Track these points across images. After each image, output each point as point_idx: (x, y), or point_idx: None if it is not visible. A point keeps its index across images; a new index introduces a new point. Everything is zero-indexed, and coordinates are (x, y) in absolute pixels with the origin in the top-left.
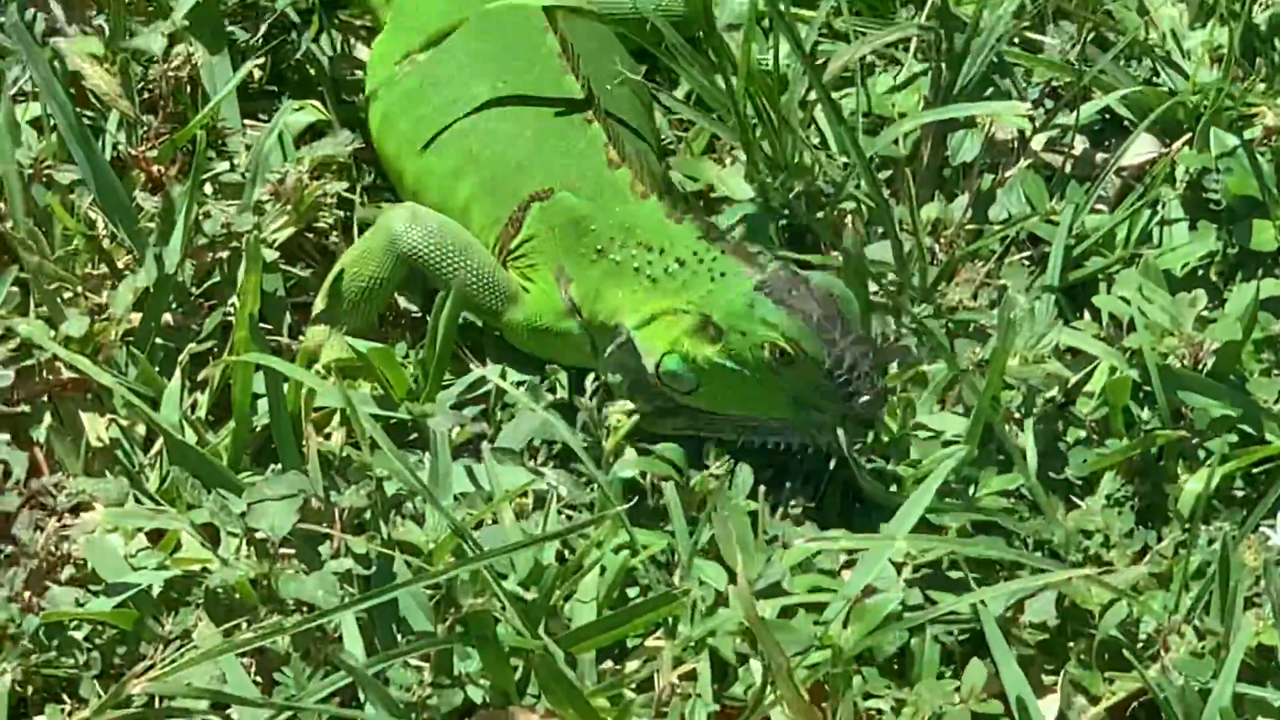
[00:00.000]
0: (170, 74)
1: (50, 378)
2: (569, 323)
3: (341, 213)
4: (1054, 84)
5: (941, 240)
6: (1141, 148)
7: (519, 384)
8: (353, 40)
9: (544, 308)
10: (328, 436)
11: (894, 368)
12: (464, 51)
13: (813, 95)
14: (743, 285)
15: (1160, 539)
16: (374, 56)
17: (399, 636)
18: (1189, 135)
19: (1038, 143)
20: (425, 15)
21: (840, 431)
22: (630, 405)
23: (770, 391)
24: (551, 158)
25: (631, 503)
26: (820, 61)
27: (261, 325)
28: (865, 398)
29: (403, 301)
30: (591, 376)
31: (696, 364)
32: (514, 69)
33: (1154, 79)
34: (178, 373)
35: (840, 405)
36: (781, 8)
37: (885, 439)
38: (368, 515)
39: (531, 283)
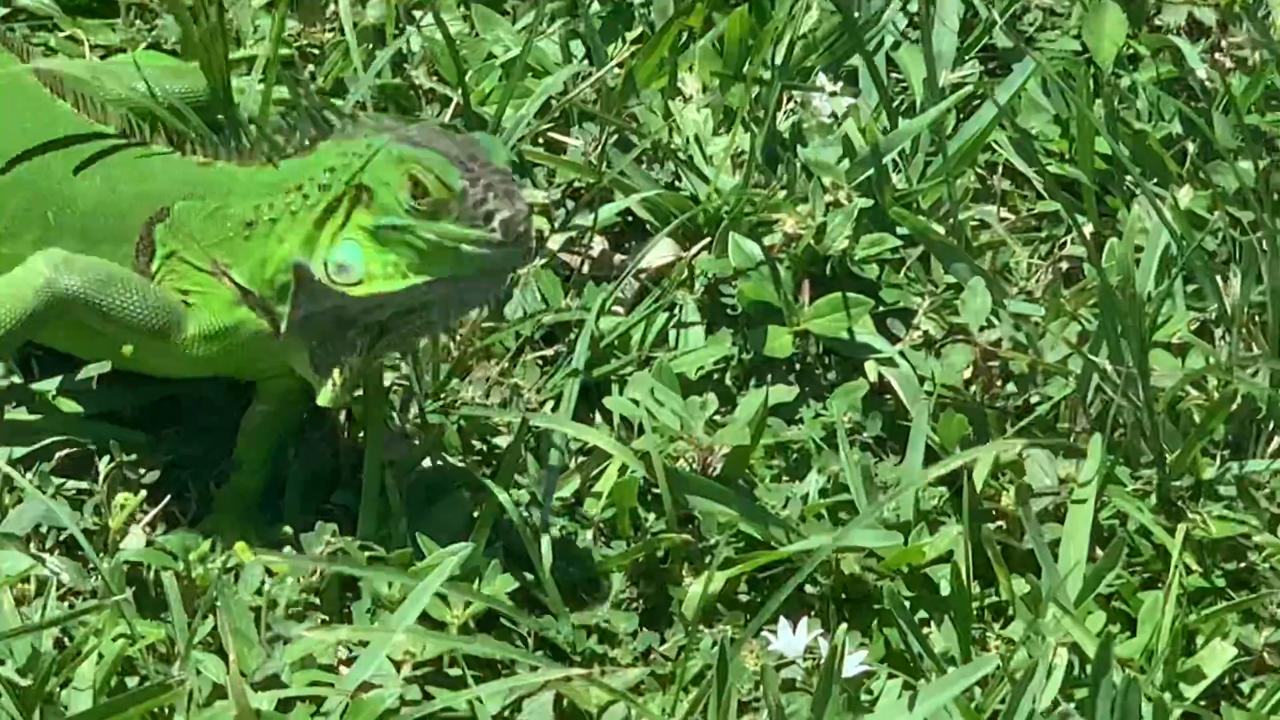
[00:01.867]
0: None
1: None
2: (242, 311)
3: None
4: (575, 185)
5: (457, 338)
6: (661, 251)
7: (16, 463)
8: None
9: (212, 308)
10: None
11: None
12: None
13: None
14: (386, 145)
15: (664, 641)
16: None
17: None
18: (708, 239)
19: (555, 242)
20: None
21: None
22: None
23: (427, 241)
24: (143, 185)
25: (131, 590)
26: None
27: None
28: (505, 214)
29: None
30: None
31: (361, 241)
32: (41, 134)
33: (675, 183)
34: None
35: (482, 229)
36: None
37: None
38: None
39: (188, 292)
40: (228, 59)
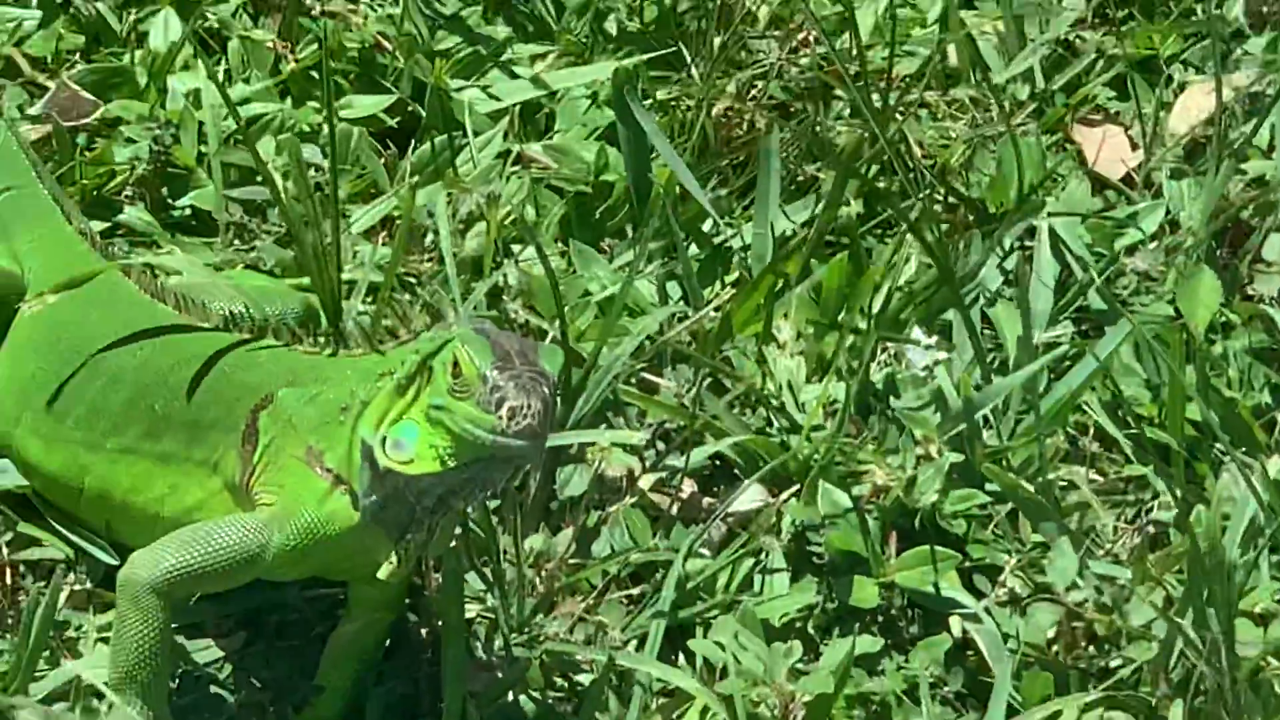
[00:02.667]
0: None
1: None
2: (332, 504)
3: None
4: (666, 426)
5: (543, 573)
6: (749, 496)
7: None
8: None
9: (303, 498)
10: None
11: None
12: (89, 346)
13: None
14: (460, 332)
15: None
16: None
17: None
18: (797, 487)
19: (646, 482)
20: (30, 334)
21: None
22: None
23: (455, 427)
24: (248, 376)
25: None
26: None
27: None
28: (512, 403)
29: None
30: None
31: (415, 422)
32: (137, 328)
33: (767, 429)
34: None
35: (491, 415)
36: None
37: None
38: None
39: (281, 488)
40: (340, 278)
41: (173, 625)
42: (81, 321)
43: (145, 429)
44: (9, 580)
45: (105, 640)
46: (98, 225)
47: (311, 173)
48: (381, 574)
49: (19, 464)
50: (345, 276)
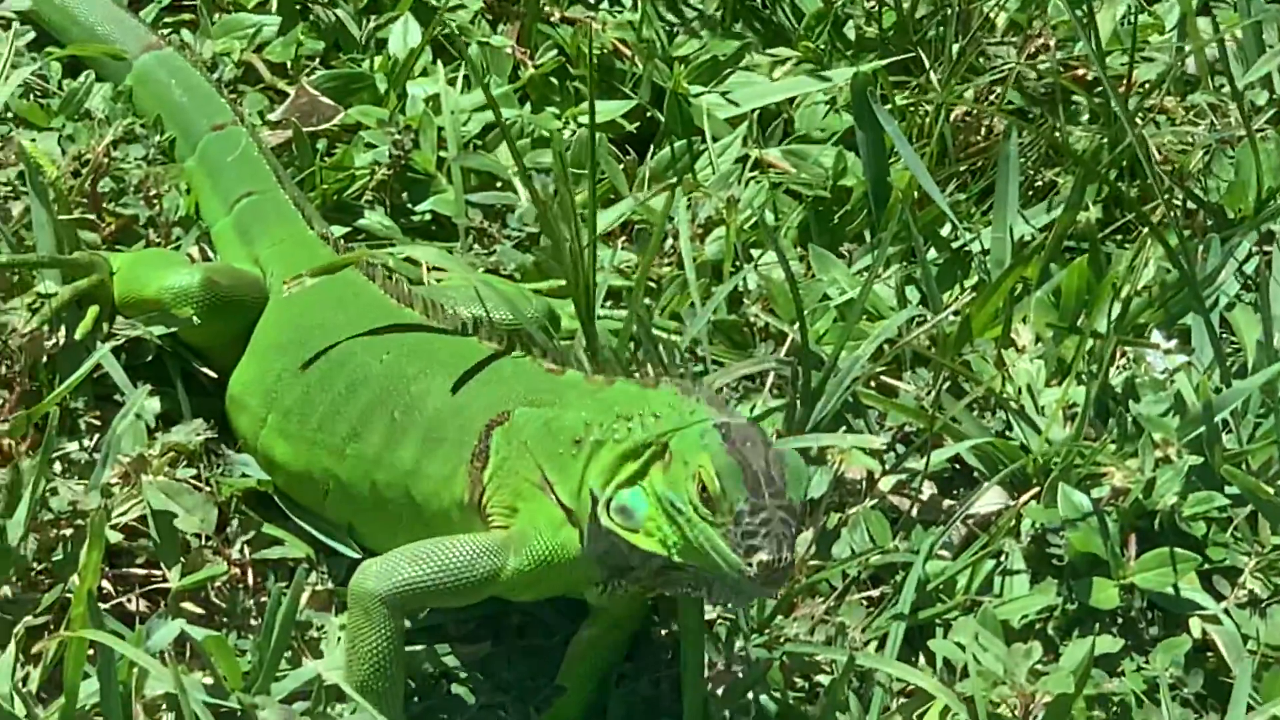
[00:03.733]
0: (27, 349)
1: None
2: (567, 531)
3: None
4: (906, 429)
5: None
6: (989, 498)
7: None
8: None
9: (538, 526)
10: None
11: None
12: (327, 339)
13: None
14: (704, 422)
15: None
16: (233, 390)
17: None
18: (1037, 489)
19: (886, 484)
20: (273, 328)
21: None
22: None
23: (693, 539)
24: (488, 389)
25: None
26: None
27: (102, 605)
28: (764, 556)
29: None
30: None
31: (647, 495)
32: (392, 337)
33: (1006, 432)
34: (12, 644)
35: (740, 559)
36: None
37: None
38: None
39: (517, 510)
40: (594, 278)
41: (414, 627)
42: (327, 324)
43: (384, 437)
44: (251, 580)
45: None
46: (338, 230)
47: (549, 177)
48: (590, 598)
49: (264, 462)
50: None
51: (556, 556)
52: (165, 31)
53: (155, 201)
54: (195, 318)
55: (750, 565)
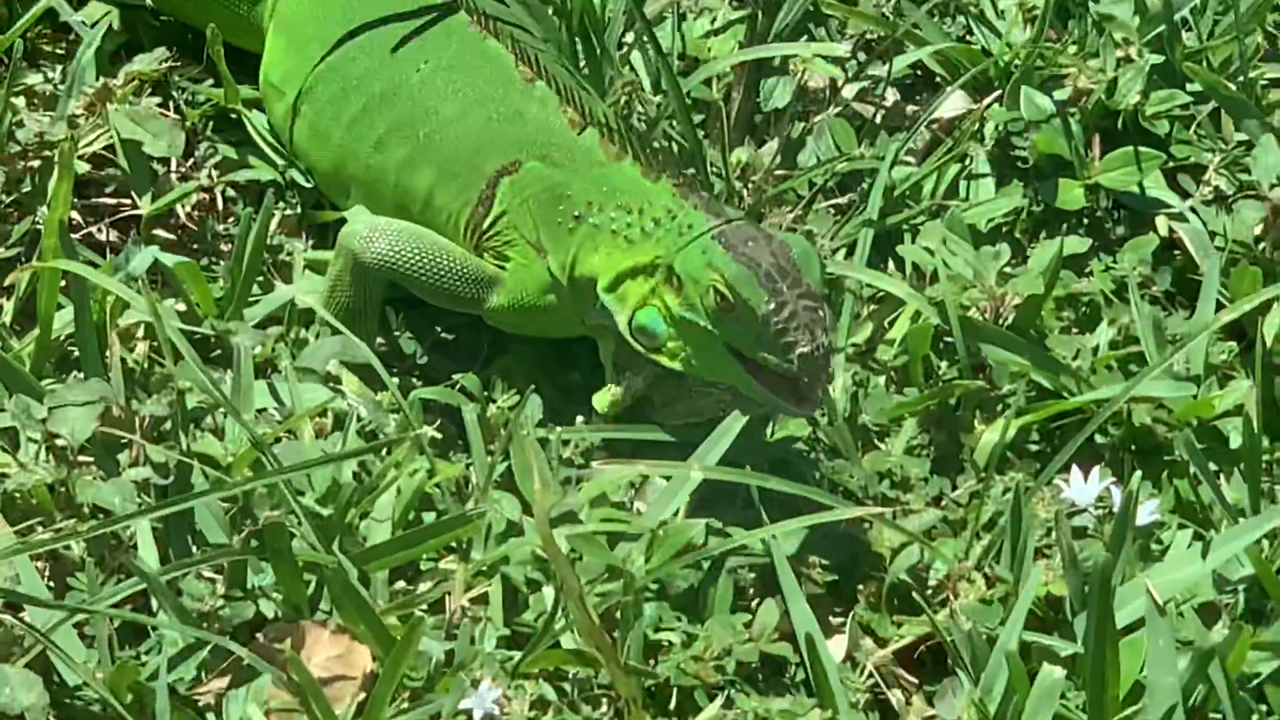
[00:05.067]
0: None
1: None
2: (551, 296)
3: None
4: (867, 36)
5: (750, 184)
6: (952, 102)
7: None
8: None
9: (525, 284)
10: (132, 349)
11: None
12: (374, 43)
13: (629, 38)
14: (703, 237)
15: (955, 487)
16: (270, 77)
17: (194, 548)
18: (999, 93)
19: (849, 92)
20: (315, 20)
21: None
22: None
23: (723, 348)
24: (509, 129)
25: (433, 423)
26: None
27: (72, 236)
28: (803, 349)
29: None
30: None
31: (664, 316)
32: (433, 46)
33: (967, 36)
34: None
35: (780, 357)
36: None
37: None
38: (168, 426)
39: (509, 260)
40: None
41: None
42: (369, 17)
43: (406, 156)
44: (221, 206)
45: (316, 269)
46: None
47: None
48: (599, 403)
49: (293, 150)
50: None
51: (535, 312)
52: None
53: None
54: None
55: (791, 361)
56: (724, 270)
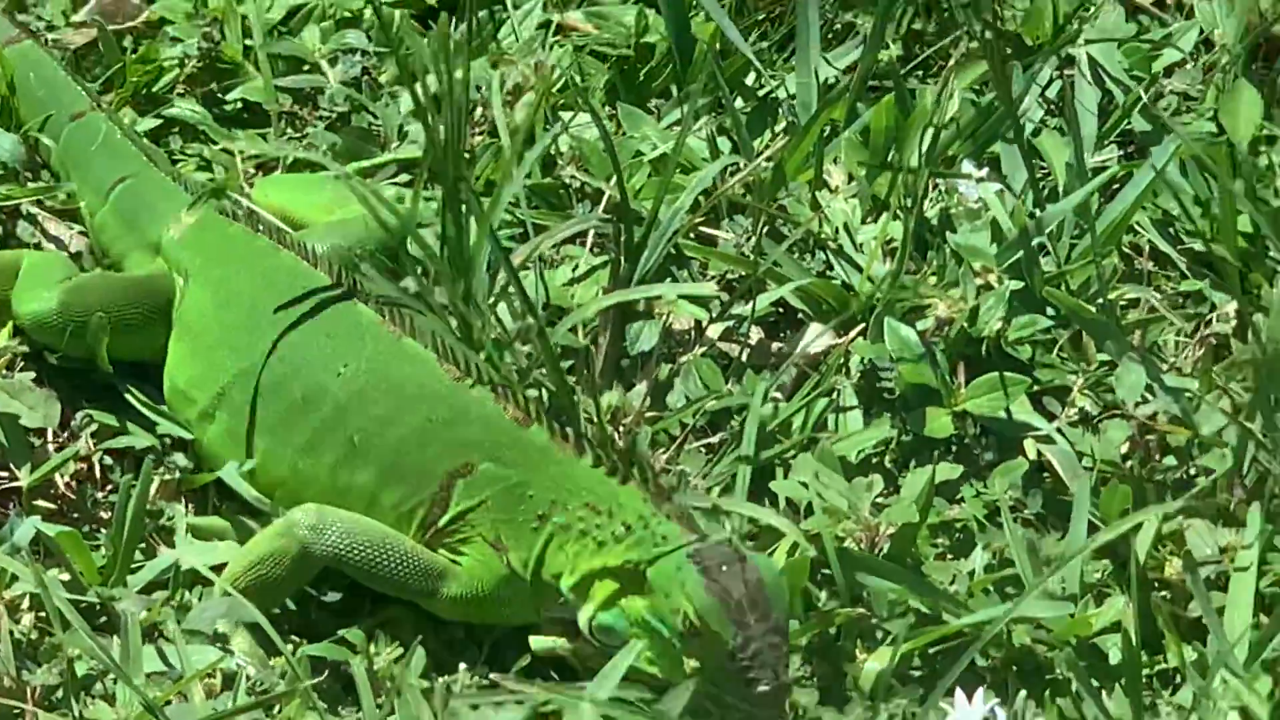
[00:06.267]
0: None
1: None
2: (508, 590)
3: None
4: (728, 276)
5: (622, 427)
6: (817, 339)
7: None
8: None
9: (481, 578)
10: (18, 620)
11: None
12: (287, 347)
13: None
14: (678, 552)
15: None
16: (177, 382)
17: None
18: (863, 325)
19: (714, 332)
20: (220, 326)
21: None
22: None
23: (684, 659)
24: (452, 430)
25: (320, 677)
26: None
27: None
28: (763, 688)
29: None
30: None
31: (628, 618)
32: (348, 347)
33: (827, 271)
34: None
35: (739, 691)
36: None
37: None
38: (60, 694)
39: (464, 555)
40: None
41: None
42: (281, 323)
43: (340, 459)
44: (99, 474)
45: (198, 533)
46: (148, 124)
47: (357, 57)
48: (536, 646)
49: (206, 451)
50: (390, 157)
51: (490, 604)
52: None
53: None
54: (58, 345)
55: (749, 699)
56: (694, 598)
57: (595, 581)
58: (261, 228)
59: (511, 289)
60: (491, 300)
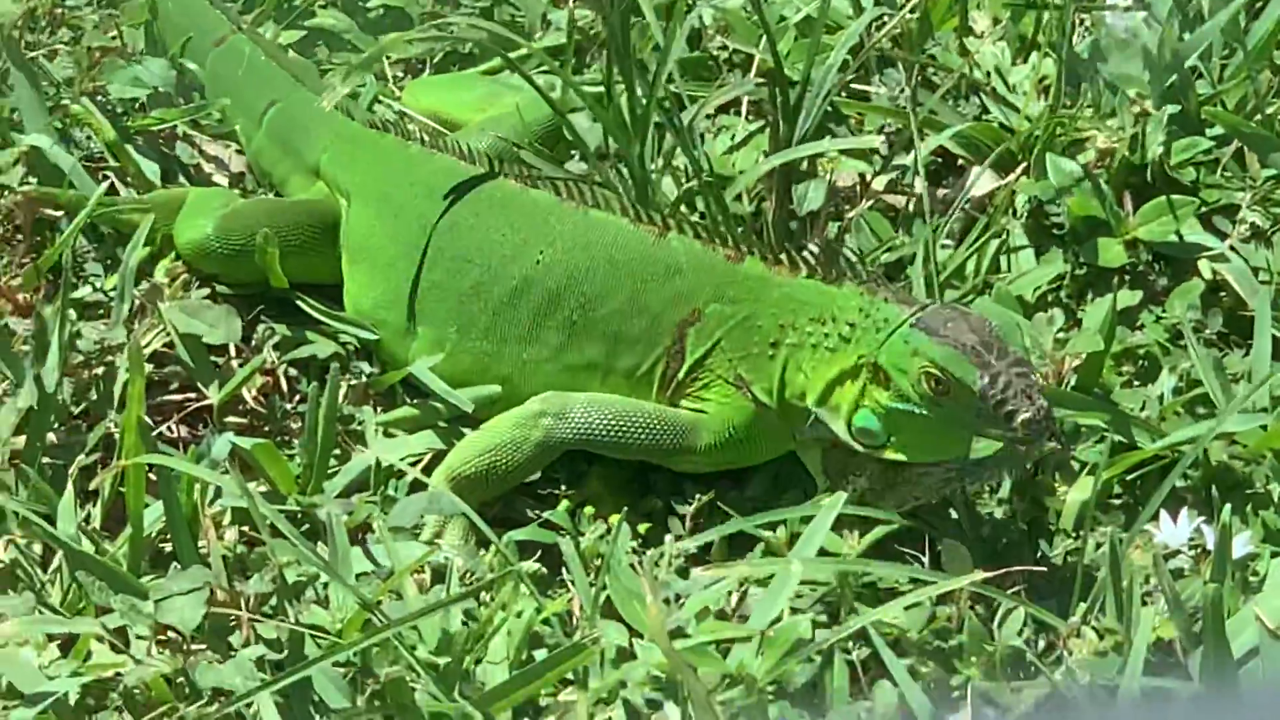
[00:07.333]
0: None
1: None
2: (759, 424)
3: None
4: (885, 130)
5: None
6: (982, 182)
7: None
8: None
9: (731, 419)
10: (222, 536)
11: None
12: (475, 249)
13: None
14: (902, 327)
15: (1052, 549)
16: (368, 308)
17: (317, 716)
18: (1024, 165)
19: (878, 185)
20: (391, 241)
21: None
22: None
23: (946, 428)
24: (670, 286)
25: (533, 558)
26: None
27: None
28: (1025, 415)
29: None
30: None
31: (879, 413)
32: (537, 232)
33: (984, 115)
34: (69, 487)
35: (1003, 428)
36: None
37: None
38: (274, 602)
39: (708, 402)
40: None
41: None
42: (456, 223)
43: (562, 341)
44: (285, 385)
45: (388, 432)
46: (292, 35)
47: None
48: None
49: (408, 360)
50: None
51: (745, 443)
52: None
53: (115, 38)
54: (219, 271)
55: (1016, 430)
56: (931, 354)
57: (836, 389)
58: (415, 132)
59: (680, 151)
60: (659, 166)
